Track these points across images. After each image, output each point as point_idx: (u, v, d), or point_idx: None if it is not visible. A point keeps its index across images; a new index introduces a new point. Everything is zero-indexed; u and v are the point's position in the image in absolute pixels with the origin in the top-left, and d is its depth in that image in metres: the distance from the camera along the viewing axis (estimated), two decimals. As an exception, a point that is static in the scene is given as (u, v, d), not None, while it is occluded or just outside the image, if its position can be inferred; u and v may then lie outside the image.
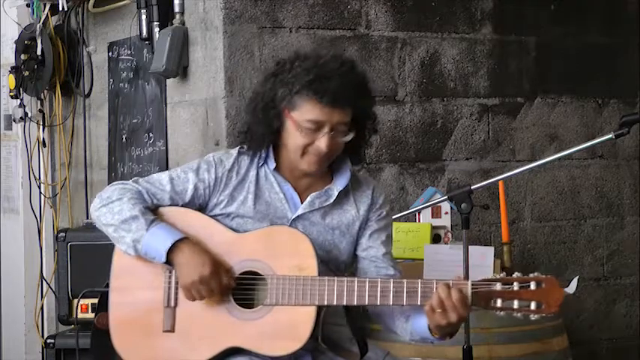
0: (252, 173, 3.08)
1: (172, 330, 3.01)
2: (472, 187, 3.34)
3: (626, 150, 5.42)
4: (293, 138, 3.00)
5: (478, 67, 5.07)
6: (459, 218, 3.35)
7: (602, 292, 5.36)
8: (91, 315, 4.50)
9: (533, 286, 2.80)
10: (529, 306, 2.80)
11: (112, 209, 3.02)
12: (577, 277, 4.53)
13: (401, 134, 4.91)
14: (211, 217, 3.07)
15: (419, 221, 4.43)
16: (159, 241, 2.96)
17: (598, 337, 5.33)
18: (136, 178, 3.12)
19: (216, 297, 2.96)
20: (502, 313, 2.83)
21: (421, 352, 3.95)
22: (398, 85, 4.90)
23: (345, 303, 2.92)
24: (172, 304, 3.01)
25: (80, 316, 4.53)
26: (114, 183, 3.10)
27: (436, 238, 4.39)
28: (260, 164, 3.09)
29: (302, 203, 3.07)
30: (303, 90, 2.95)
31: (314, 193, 3.07)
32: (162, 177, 3.09)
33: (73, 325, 4.80)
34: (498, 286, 2.81)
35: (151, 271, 3.03)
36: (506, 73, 5.14)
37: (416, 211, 4.26)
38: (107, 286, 3.12)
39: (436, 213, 4.42)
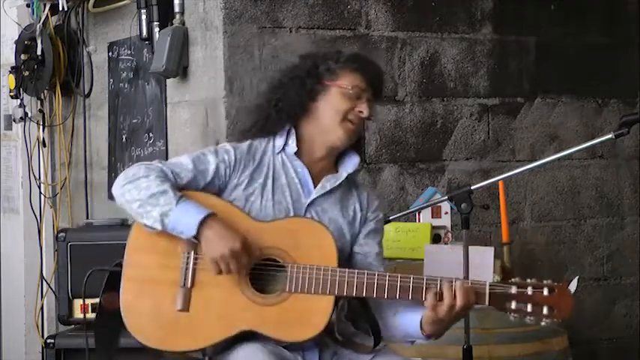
0: (269, 160, 3.16)
1: (187, 309, 3.01)
2: (472, 187, 3.34)
3: (626, 150, 5.41)
4: (335, 104, 3.11)
5: (478, 67, 5.07)
6: (459, 218, 3.36)
7: (602, 292, 5.36)
8: (92, 315, 4.50)
9: (546, 291, 2.89)
10: (542, 310, 2.88)
11: (138, 186, 3.03)
12: (577, 277, 4.54)
13: (401, 134, 4.90)
14: (230, 201, 3.10)
15: (419, 221, 4.43)
16: (189, 215, 2.98)
17: (598, 337, 5.33)
18: (157, 160, 3.16)
19: (235, 278, 2.98)
20: (515, 315, 2.91)
21: (421, 351, 3.95)
22: (398, 85, 4.90)
23: (364, 295, 2.98)
24: (189, 284, 3.02)
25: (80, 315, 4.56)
26: (138, 163, 3.13)
27: (436, 238, 4.39)
28: (277, 152, 3.16)
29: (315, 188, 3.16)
30: (347, 62, 3.14)
31: (325, 177, 3.16)
32: (183, 159, 3.14)
33: (73, 325, 4.81)
34: (514, 289, 2.90)
35: (168, 252, 3.04)
36: (506, 73, 5.14)
37: (416, 211, 4.25)
38: (117, 265, 3.11)
39: (436, 213, 4.43)
